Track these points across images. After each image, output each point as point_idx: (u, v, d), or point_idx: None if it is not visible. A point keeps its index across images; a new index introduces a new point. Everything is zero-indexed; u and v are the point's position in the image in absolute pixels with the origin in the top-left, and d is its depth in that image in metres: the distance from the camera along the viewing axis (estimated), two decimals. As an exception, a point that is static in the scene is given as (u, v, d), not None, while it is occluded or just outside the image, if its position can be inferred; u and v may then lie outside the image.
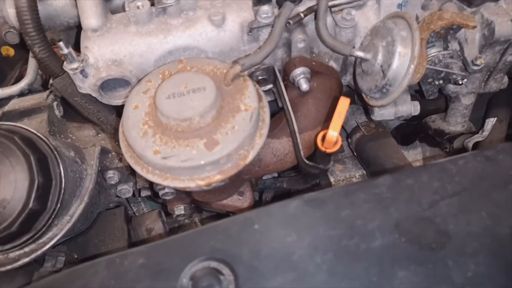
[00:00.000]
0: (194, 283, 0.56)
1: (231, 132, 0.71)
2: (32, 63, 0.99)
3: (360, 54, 0.79)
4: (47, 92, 1.04)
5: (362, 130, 1.14)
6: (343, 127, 1.22)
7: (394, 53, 0.73)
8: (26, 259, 0.75)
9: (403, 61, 0.73)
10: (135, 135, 0.73)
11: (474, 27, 0.78)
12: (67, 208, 0.81)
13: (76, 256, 0.88)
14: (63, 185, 0.77)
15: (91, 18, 0.82)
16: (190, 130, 0.71)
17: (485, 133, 1.23)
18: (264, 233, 0.59)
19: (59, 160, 0.78)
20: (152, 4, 0.85)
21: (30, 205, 0.70)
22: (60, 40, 0.77)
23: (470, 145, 1.23)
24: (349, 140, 1.19)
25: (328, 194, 0.62)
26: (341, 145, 0.75)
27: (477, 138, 1.22)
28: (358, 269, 0.55)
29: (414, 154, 1.31)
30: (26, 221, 0.71)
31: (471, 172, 0.62)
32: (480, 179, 0.61)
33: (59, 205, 0.77)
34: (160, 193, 0.86)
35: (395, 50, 0.73)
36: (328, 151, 0.75)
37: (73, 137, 1.07)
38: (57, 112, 1.05)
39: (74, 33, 1.01)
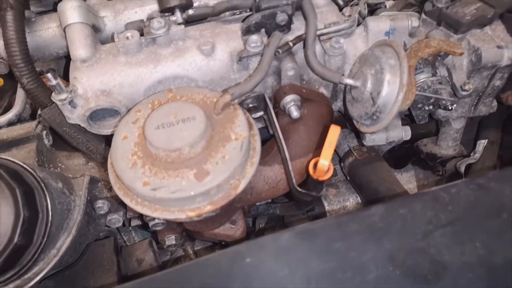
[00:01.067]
0: (184, 321, 0.54)
1: (222, 162, 0.71)
2: (20, 94, 0.99)
3: (349, 81, 0.79)
4: (36, 121, 1.03)
5: (355, 154, 1.14)
6: (335, 151, 1.22)
7: (383, 81, 0.74)
8: (11, 297, 0.72)
9: (392, 89, 0.73)
10: (124, 166, 0.72)
11: (461, 54, 0.79)
12: (54, 242, 0.79)
13: (63, 292, 0.86)
14: (50, 218, 0.75)
15: (80, 49, 0.82)
16: (180, 160, 0.70)
17: (477, 155, 1.23)
18: (255, 267, 0.58)
19: (46, 192, 0.76)
20: (141, 34, 0.85)
21: (15, 240, 0.68)
22: (48, 71, 0.76)
23: (463, 167, 1.23)
24: (342, 164, 1.19)
25: (320, 226, 0.61)
26: (334, 169, 0.75)
27: (469, 160, 1.22)
28: (353, 303, 0.53)
29: (408, 177, 1.31)
30: (10, 257, 0.69)
31: (464, 201, 0.61)
32: (473, 208, 0.60)
33: (45, 239, 0.75)
34: (150, 224, 0.84)
35: (384, 78, 0.74)
36: (320, 179, 0.74)
37: (63, 166, 1.06)
38: (46, 142, 1.03)
39: (64, 62, 1.01)
